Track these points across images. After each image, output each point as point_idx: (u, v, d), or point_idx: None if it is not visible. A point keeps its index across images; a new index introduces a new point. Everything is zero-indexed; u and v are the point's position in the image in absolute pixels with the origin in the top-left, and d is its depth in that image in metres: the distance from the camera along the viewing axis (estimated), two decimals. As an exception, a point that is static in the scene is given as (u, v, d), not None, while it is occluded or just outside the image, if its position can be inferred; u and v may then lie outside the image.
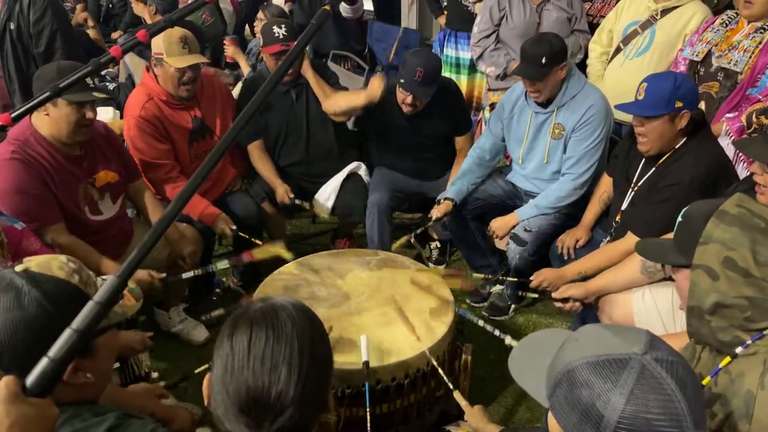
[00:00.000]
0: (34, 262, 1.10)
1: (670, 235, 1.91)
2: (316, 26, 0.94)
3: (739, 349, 1.13)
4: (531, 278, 2.28)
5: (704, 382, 1.19)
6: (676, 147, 2.13)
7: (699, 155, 2.08)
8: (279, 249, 2.24)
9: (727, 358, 1.15)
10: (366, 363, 1.73)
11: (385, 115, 2.84)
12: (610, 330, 0.92)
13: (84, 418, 1.06)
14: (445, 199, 2.69)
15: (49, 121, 2.06)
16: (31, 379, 0.80)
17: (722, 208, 1.15)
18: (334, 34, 3.88)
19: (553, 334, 1.06)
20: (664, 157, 2.16)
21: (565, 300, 2.11)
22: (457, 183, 2.73)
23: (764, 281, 1.09)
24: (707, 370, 1.23)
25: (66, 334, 0.79)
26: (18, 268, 1.08)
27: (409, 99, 2.69)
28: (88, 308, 0.80)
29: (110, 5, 5.52)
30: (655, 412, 0.82)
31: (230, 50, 3.77)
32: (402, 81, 2.65)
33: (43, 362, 0.79)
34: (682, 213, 1.30)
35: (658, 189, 2.14)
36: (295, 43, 0.95)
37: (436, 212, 2.66)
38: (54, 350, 0.78)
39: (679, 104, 2.04)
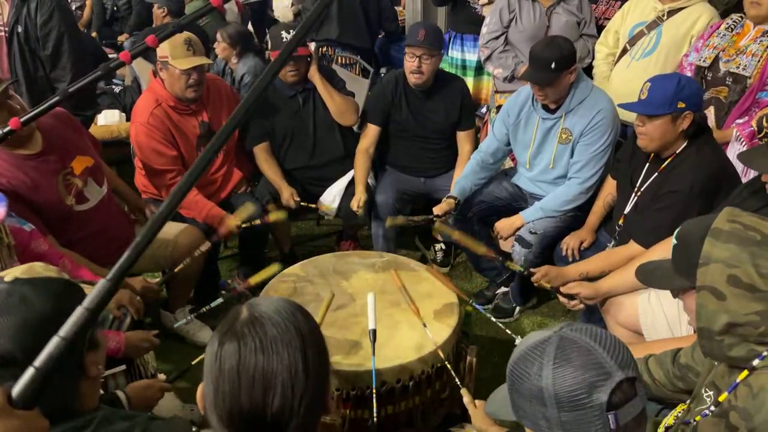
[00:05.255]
0: (18, 272, 1.12)
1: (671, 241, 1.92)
2: (315, 16, 0.91)
3: (756, 362, 1.12)
4: (532, 270, 2.27)
5: (721, 399, 1.18)
6: (678, 152, 2.13)
7: (698, 161, 2.08)
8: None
9: (745, 372, 1.14)
10: (373, 331, 1.72)
11: (390, 106, 2.92)
12: (535, 332, 1.04)
13: (111, 421, 1.07)
14: (448, 197, 2.70)
15: None
16: (16, 391, 0.75)
17: (715, 226, 1.14)
18: (335, 23, 3.88)
19: None
20: (666, 162, 2.16)
21: (571, 297, 2.11)
22: (460, 183, 2.75)
23: None
24: (722, 380, 1.22)
25: (53, 343, 0.74)
26: (6, 279, 1.09)
27: (415, 63, 2.78)
28: (77, 315, 0.75)
29: (115, 8, 5.54)
30: (579, 365, 0.92)
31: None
32: (408, 44, 2.79)
33: (29, 372, 0.74)
34: (675, 235, 1.29)
35: (659, 196, 2.14)
36: (296, 30, 0.92)
37: (438, 209, 2.67)
38: (40, 360, 0.73)
39: (681, 105, 2.04)
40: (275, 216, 2.54)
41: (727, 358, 1.17)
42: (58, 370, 0.74)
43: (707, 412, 1.22)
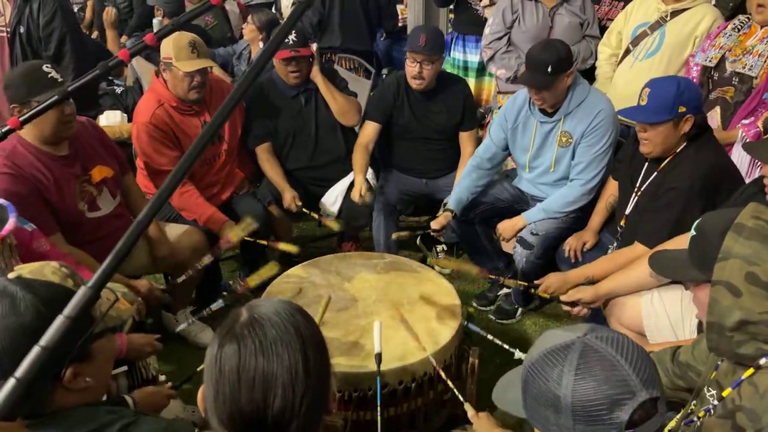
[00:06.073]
0: (26, 269, 1.11)
1: (678, 240, 1.91)
2: (303, 6, 0.89)
3: (763, 360, 1.11)
4: (537, 282, 2.26)
5: (724, 394, 1.18)
6: (677, 151, 2.13)
7: (697, 160, 2.07)
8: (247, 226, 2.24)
9: (750, 370, 1.13)
10: (378, 354, 1.71)
11: (392, 108, 2.90)
12: (557, 329, 1.00)
13: (97, 416, 1.07)
14: (445, 210, 2.70)
15: (32, 126, 2.04)
16: None
17: (738, 221, 1.12)
18: (337, 31, 3.89)
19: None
20: (665, 162, 2.15)
21: (573, 304, 2.10)
22: (456, 191, 2.73)
23: None
24: (726, 378, 1.22)
25: (34, 352, 0.72)
26: (11, 275, 1.08)
27: (416, 69, 2.77)
28: (57, 323, 0.73)
29: (116, 11, 5.52)
30: (602, 380, 0.89)
31: None
32: (408, 49, 2.78)
33: (10, 383, 0.71)
34: (694, 226, 1.27)
35: (659, 195, 2.14)
36: (284, 22, 0.90)
37: (435, 224, 2.68)
38: (21, 370, 0.71)
39: (682, 109, 2.02)
40: (285, 246, 2.42)
41: (734, 355, 1.16)
42: (39, 379, 0.73)
43: (710, 407, 1.21)
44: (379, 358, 1.71)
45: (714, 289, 1.13)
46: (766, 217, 1.12)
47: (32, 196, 2.04)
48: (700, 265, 1.21)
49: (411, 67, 2.79)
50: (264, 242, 2.51)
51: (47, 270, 1.11)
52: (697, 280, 1.24)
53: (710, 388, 1.26)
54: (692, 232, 1.27)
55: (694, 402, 1.31)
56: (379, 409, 1.66)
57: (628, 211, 2.30)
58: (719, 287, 1.12)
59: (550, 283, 2.22)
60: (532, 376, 0.96)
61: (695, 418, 1.25)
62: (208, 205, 2.64)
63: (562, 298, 2.13)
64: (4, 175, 2.00)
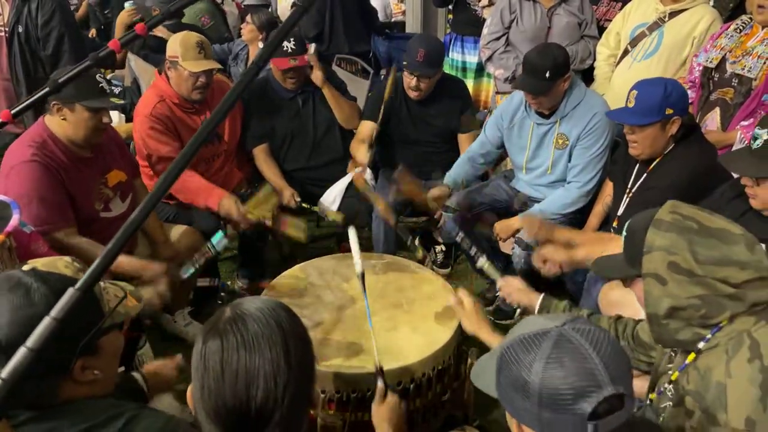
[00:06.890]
0: (40, 263, 1.13)
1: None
2: (302, 9, 0.90)
3: (701, 344, 1.18)
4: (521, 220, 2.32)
5: (673, 377, 1.27)
6: (666, 152, 2.14)
7: (684, 161, 2.08)
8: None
9: (692, 354, 1.21)
10: (362, 274, 1.75)
11: (391, 109, 2.90)
12: (540, 316, 1.03)
13: (103, 408, 1.09)
14: (442, 185, 2.70)
15: (67, 125, 2.11)
16: None
17: (657, 217, 1.22)
18: (343, 37, 3.91)
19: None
20: (654, 163, 2.17)
21: (544, 262, 2.07)
22: (452, 173, 2.76)
23: (708, 278, 1.15)
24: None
25: (20, 353, 0.72)
26: (25, 268, 1.11)
27: (413, 82, 2.76)
28: (44, 325, 0.74)
29: (106, 24, 5.50)
30: (571, 370, 0.91)
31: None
32: (406, 63, 2.75)
33: None
34: (625, 227, 1.35)
35: (644, 195, 2.16)
36: (282, 24, 0.91)
37: (434, 192, 2.66)
38: (7, 370, 0.72)
39: (669, 111, 2.03)
40: (293, 232, 2.49)
41: (675, 342, 1.23)
42: (26, 379, 0.72)
43: (669, 401, 1.28)
44: (362, 277, 1.76)
45: (645, 281, 1.21)
46: (681, 211, 1.21)
47: (58, 187, 2.11)
48: (632, 261, 1.27)
49: (409, 79, 2.79)
50: (270, 225, 2.52)
51: (60, 264, 1.14)
52: (632, 275, 1.31)
53: (668, 384, 1.32)
54: (623, 233, 1.34)
55: (657, 398, 1.36)
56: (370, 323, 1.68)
57: (620, 212, 2.30)
58: (649, 279, 1.20)
59: (539, 227, 2.21)
60: (507, 358, 0.98)
61: (662, 416, 1.31)
62: (206, 184, 2.62)
63: (540, 251, 2.08)
64: (34, 163, 2.05)
